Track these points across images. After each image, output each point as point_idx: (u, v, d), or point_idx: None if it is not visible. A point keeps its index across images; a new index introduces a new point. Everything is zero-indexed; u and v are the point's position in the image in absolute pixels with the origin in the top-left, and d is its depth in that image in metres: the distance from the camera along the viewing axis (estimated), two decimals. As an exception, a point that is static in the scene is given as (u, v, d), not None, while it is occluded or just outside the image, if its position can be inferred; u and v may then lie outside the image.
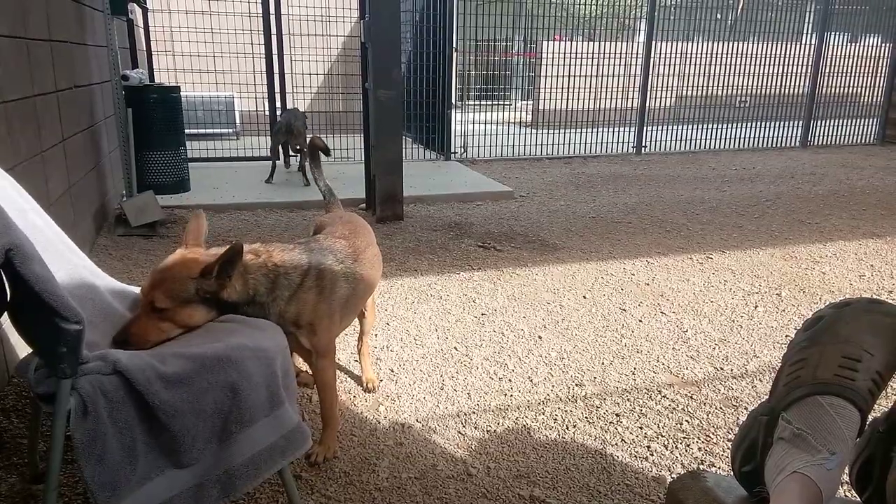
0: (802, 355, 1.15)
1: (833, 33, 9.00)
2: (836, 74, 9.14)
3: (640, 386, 2.39)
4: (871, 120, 9.31)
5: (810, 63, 8.90)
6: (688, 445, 2.03)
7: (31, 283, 1.15)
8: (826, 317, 1.18)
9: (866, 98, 9.39)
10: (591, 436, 2.07)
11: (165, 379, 1.30)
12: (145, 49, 7.20)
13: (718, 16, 9.19)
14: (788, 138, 8.94)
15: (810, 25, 9.43)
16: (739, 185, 6.23)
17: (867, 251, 4.07)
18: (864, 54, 9.32)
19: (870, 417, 1.11)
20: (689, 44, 8.71)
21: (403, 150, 4.86)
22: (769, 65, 9.02)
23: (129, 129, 4.70)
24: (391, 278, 3.45)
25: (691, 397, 2.31)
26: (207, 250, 1.68)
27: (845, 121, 9.11)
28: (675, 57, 8.57)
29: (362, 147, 5.23)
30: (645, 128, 8.28)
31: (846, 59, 9.17)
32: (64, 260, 1.61)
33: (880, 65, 9.32)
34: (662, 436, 2.08)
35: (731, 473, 1.21)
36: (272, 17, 6.88)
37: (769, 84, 9.07)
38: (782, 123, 8.87)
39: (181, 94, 5.40)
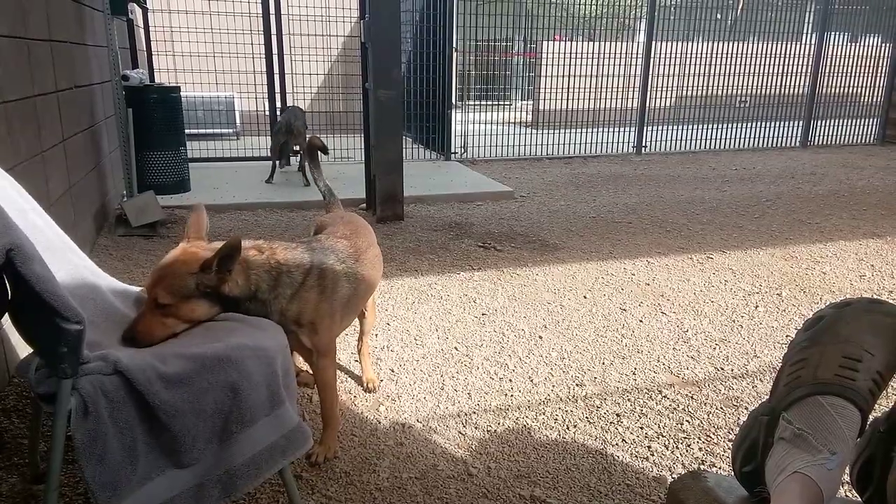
0: (803, 355, 1.15)
1: (833, 33, 9.00)
2: (836, 74, 9.14)
3: (640, 386, 2.39)
4: (871, 120, 9.31)
5: (810, 63, 8.89)
6: (688, 445, 2.03)
7: (31, 284, 1.15)
8: (826, 317, 1.18)
9: (866, 98, 9.39)
10: (592, 436, 2.07)
11: (166, 379, 1.30)
12: (145, 49, 7.21)
13: (718, 16, 9.19)
14: (789, 138, 8.94)
15: (810, 25, 9.43)
16: (740, 185, 6.23)
17: (868, 251, 4.07)
18: (864, 54, 9.32)
19: (870, 417, 1.11)
20: (689, 44, 8.71)
21: (403, 150, 4.86)
22: (769, 65, 9.02)
23: (130, 130, 4.70)
24: (391, 278, 3.45)
25: (692, 397, 2.31)
26: (209, 244, 1.68)
27: (845, 121, 9.11)
28: (675, 57, 8.57)
29: (362, 147, 5.23)
30: (645, 128, 8.28)
31: (846, 59, 9.17)
32: (65, 260, 1.61)
33: (880, 65, 9.32)
34: (663, 436, 2.08)
35: (732, 473, 1.21)
36: (272, 17, 6.89)
37: (769, 84, 9.07)
38: (782, 123, 8.87)
39: (181, 94, 5.40)
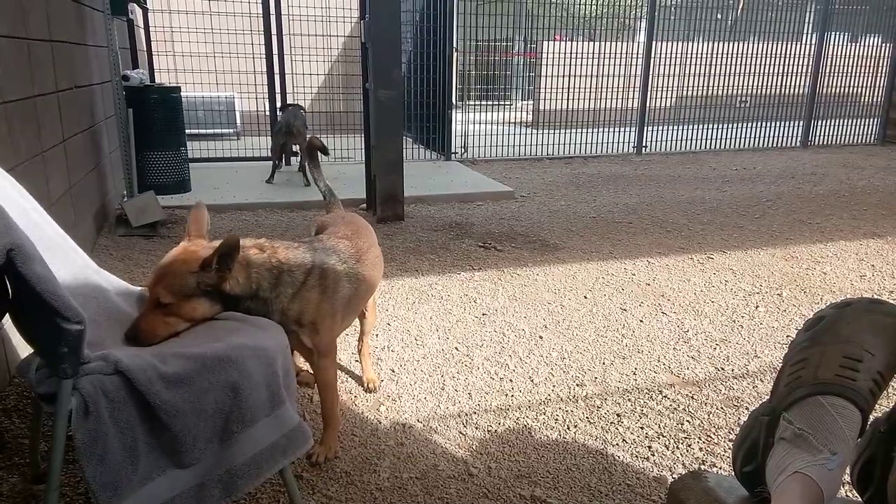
0: (803, 355, 1.15)
1: (833, 33, 9.00)
2: (836, 74, 9.14)
3: (641, 386, 2.39)
4: (871, 120, 9.30)
5: (811, 63, 8.89)
6: (689, 445, 2.03)
7: (32, 284, 1.15)
8: (827, 317, 1.18)
9: (867, 98, 9.38)
10: (592, 436, 2.07)
11: (167, 379, 1.30)
12: (146, 49, 7.21)
13: (719, 16, 9.19)
14: (789, 138, 8.94)
15: (810, 25, 9.43)
16: (740, 186, 6.23)
17: (868, 251, 4.07)
18: (865, 54, 9.32)
19: (871, 417, 1.11)
20: (690, 44, 8.71)
21: (404, 150, 4.86)
22: (769, 65, 9.01)
23: (130, 130, 4.70)
24: (392, 278, 3.45)
25: (692, 397, 2.31)
26: (210, 243, 1.68)
27: (846, 121, 9.11)
28: (676, 57, 8.57)
29: (363, 147, 5.23)
30: (645, 128, 8.28)
31: (846, 59, 9.17)
32: (67, 259, 1.61)
33: (881, 65, 9.31)
34: (663, 436, 2.08)
35: (733, 473, 1.21)
36: (272, 17, 6.89)
37: (770, 84, 9.07)
38: (783, 123, 8.87)
39: (182, 94, 5.40)
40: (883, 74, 9.30)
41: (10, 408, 2.10)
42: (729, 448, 1.99)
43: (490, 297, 3.22)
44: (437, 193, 5.49)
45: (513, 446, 2.01)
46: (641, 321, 2.97)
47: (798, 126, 8.96)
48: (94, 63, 4.30)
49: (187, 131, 5.55)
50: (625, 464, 1.93)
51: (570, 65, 8.24)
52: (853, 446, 1.06)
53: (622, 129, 8.22)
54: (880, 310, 1.16)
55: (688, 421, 2.16)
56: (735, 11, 10.00)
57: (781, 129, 8.84)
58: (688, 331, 2.87)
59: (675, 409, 2.24)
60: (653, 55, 8.14)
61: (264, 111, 7.25)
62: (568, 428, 2.12)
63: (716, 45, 8.77)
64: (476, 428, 2.11)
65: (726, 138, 8.64)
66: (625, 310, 3.10)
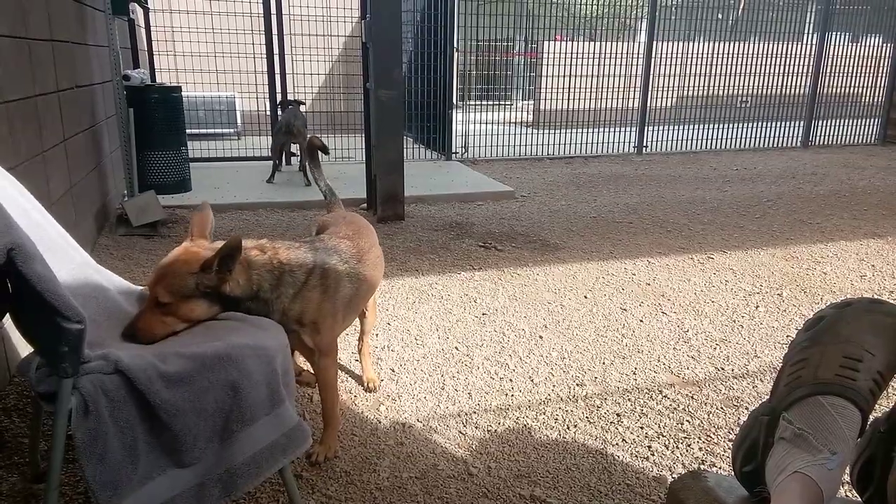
0: (803, 355, 1.15)
1: (834, 33, 9.00)
2: (837, 74, 9.13)
3: (640, 386, 2.39)
4: (872, 120, 9.30)
5: (811, 63, 8.89)
6: (689, 445, 2.03)
7: (32, 283, 1.15)
8: (827, 317, 1.18)
9: (867, 98, 9.38)
10: (592, 435, 2.07)
11: (166, 378, 1.30)
12: (146, 49, 7.21)
13: (719, 16, 9.19)
14: (790, 138, 8.93)
15: (811, 25, 9.42)
16: (741, 186, 6.22)
17: (868, 251, 4.07)
18: (865, 54, 9.32)
19: (871, 417, 1.11)
20: (691, 44, 8.71)
21: (404, 149, 4.86)
22: (770, 65, 9.01)
23: (131, 129, 4.70)
24: (392, 278, 3.45)
25: (692, 397, 2.31)
26: (212, 244, 1.68)
27: (846, 121, 9.11)
28: (677, 57, 8.57)
29: (363, 147, 5.23)
30: (646, 128, 8.28)
31: (847, 60, 9.16)
32: (67, 258, 1.61)
33: (881, 65, 9.31)
34: (663, 436, 2.08)
35: (732, 473, 1.21)
36: (273, 17, 6.89)
37: (770, 84, 9.07)
38: (783, 124, 8.87)
39: (182, 93, 5.40)
40: (883, 75, 9.29)
41: (10, 407, 2.10)
42: (729, 448, 1.99)
43: (490, 297, 3.22)
44: (437, 193, 5.49)
45: (513, 446, 2.01)
46: (641, 321, 2.97)
47: (799, 126, 8.96)
48: (94, 63, 4.30)
49: (188, 131, 5.55)
50: (624, 463, 1.93)
51: (571, 65, 8.24)
52: (853, 446, 1.06)
53: (623, 129, 8.22)
54: (880, 310, 1.16)
55: (688, 421, 2.16)
56: (736, 11, 10.00)
57: (782, 129, 8.84)
58: (688, 331, 2.87)
59: (674, 408, 2.24)
60: (653, 55, 8.14)
61: (265, 111, 7.26)
62: (568, 428, 2.12)
63: (716, 45, 8.77)
64: (476, 427, 2.11)
65: (727, 138, 8.63)
66: (625, 310, 3.10)
